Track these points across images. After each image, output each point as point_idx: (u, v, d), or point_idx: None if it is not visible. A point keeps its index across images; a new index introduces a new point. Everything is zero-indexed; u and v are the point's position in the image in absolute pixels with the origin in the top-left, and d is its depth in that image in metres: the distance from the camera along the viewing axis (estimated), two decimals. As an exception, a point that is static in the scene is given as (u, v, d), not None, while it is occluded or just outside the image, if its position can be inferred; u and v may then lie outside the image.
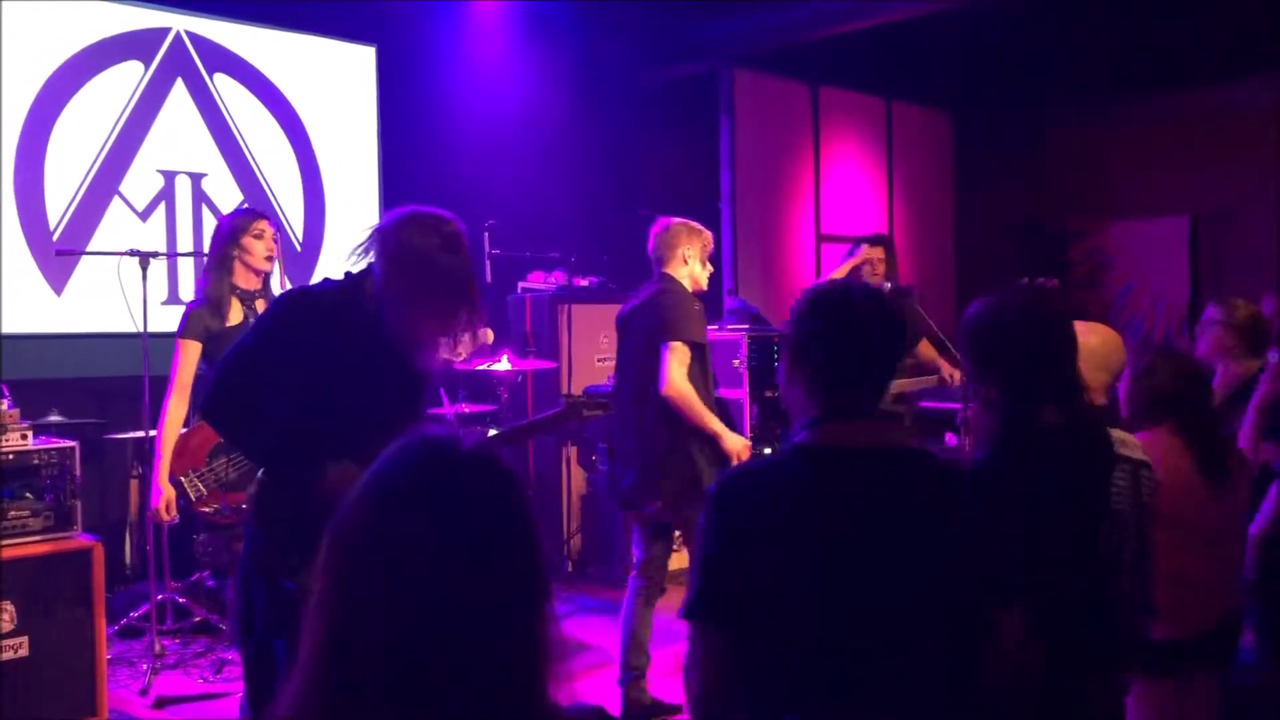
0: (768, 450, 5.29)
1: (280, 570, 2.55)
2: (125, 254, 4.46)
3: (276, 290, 4.21)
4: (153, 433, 4.63)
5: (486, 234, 5.94)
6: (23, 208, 5.47)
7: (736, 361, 5.84)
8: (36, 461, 3.75)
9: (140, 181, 5.85)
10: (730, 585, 1.86)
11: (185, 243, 5.94)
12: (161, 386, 4.10)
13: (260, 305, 4.10)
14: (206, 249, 4.34)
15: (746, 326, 6.13)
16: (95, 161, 5.70)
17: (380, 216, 2.81)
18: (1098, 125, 9.15)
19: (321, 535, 1.22)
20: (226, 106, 6.16)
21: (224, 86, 6.16)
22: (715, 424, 4.00)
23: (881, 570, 1.83)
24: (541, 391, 6.31)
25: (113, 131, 5.76)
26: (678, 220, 4.21)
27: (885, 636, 1.83)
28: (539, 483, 6.33)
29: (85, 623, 3.74)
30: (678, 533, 4.30)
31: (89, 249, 5.42)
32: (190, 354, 4.04)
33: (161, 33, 5.94)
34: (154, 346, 4.54)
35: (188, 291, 5.91)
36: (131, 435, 5.05)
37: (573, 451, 6.47)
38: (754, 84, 8.10)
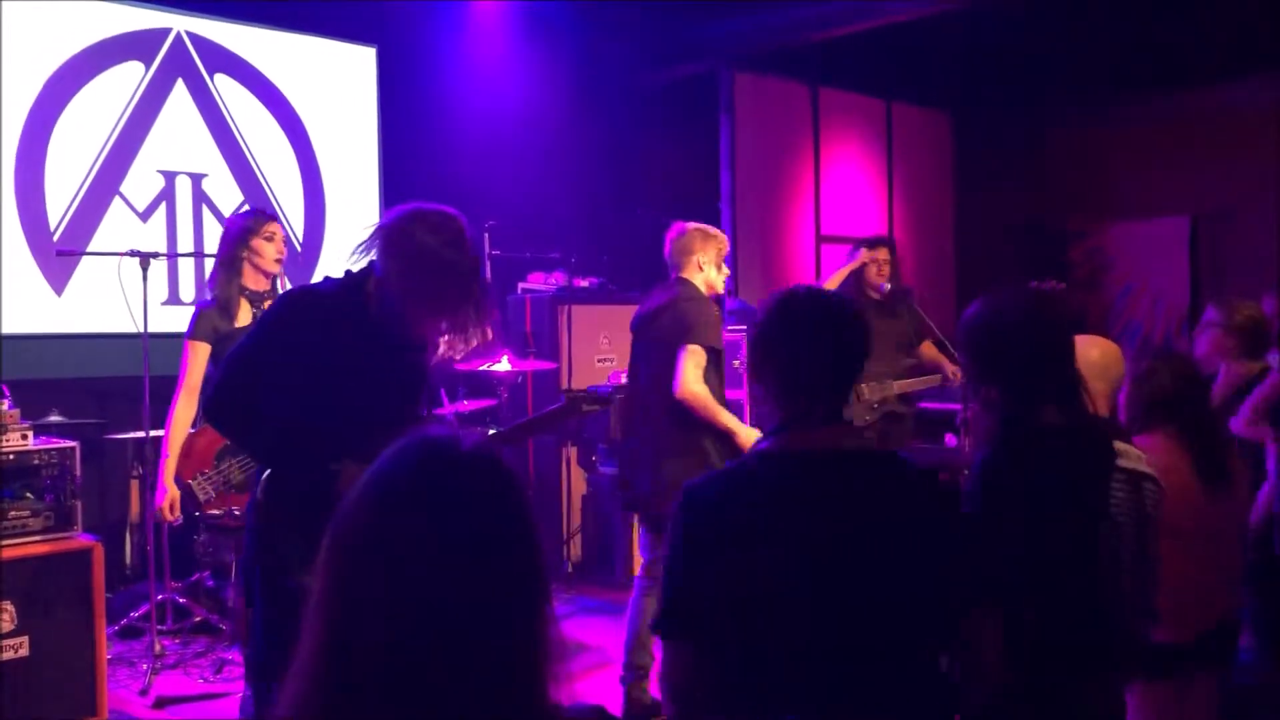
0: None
1: (281, 570, 2.55)
2: (126, 254, 4.46)
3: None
4: (153, 433, 4.64)
5: (487, 234, 5.94)
6: (23, 208, 5.47)
7: (737, 362, 5.84)
8: (37, 461, 3.75)
9: (141, 182, 5.85)
10: (699, 595, 1.86)
11: (185, 243, 5.94)
12: (161, 387, 4.11)
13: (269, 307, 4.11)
14: (207, 249, 4.37)
15: (746, 327, 6.13)
16: (96, 162, 5.70)
17: (382, 215, 2.80)
18: (1098, 125, 9.14)
19: (323, 535, 1.22)
20: (227, 107, 6.17)
21: (225, 87, 6.16)
22: (730, 420, 4.01)
23: (851, 574, 1.83)
24: (541, 391, 6.31)
25: (113, 132, 5.76)
26: (692, 226, 4.21)
27: (856, 640, 1.83)
28: (539, 483, 6.34)
29: (85, 623, 3.74)
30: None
31: (89, 249, 5.42)
32: (199, 355, 4.04)
33: (162, 33, 5.94)
34: (154, 347, 4.54)
35: (188, 292, 5.91)
36: (131, 435, 5.05)
37: (573, 452, 6.47)
38: (754, 84, 8.10)
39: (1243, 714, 3.29)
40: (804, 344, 1.93)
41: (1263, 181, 8.39)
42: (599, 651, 4.70)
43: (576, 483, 6.47)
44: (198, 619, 4.91)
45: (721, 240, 4.24)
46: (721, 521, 1.87)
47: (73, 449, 3.85)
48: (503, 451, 1.25)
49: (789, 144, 8.41)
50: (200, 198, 6.06)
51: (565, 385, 6.25)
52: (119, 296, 4.47)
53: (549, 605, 1.22)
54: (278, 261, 4.17)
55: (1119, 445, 2.37)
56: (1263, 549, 3.61)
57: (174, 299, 5.85)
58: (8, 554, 3.60)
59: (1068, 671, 2.18)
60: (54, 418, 5.01)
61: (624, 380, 6.07)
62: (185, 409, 4.05)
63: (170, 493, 4.04)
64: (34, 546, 3.69)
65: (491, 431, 4.34)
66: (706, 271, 4.15)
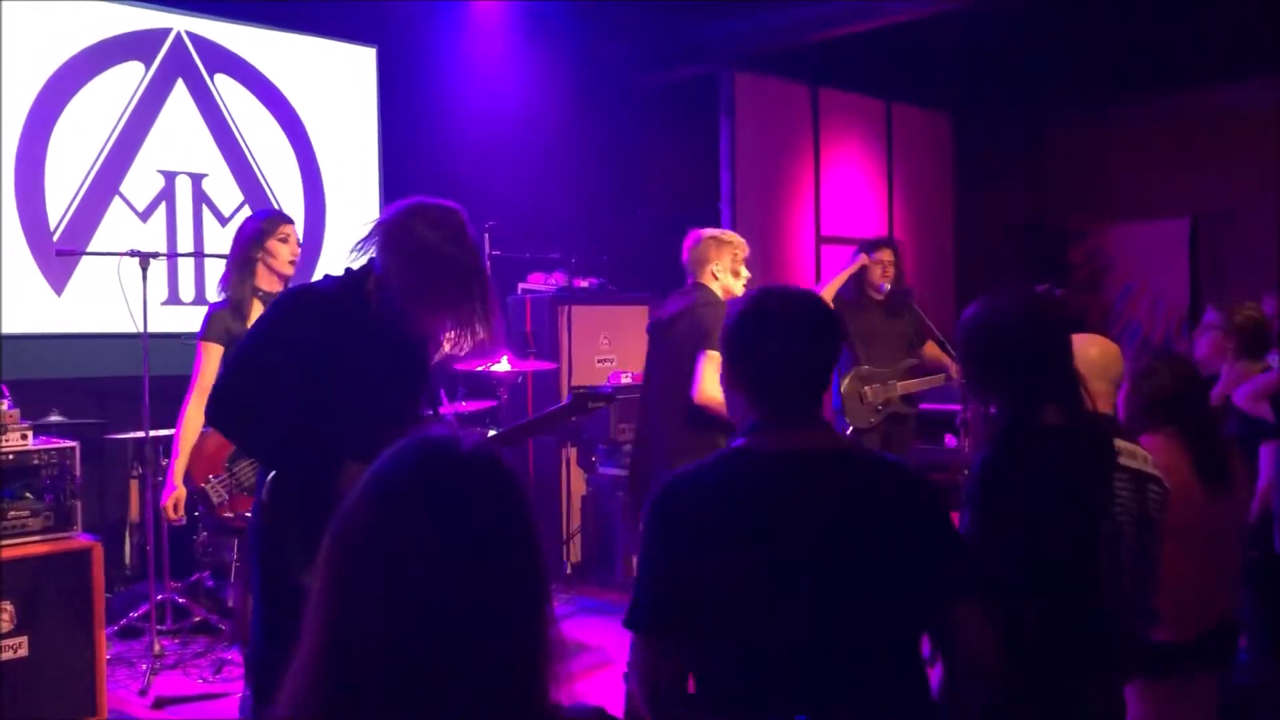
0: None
1: (283, 570, 2.55)
2: (125, 254, 4.46)
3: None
4: (153, 433, 4.64)
5: (487, 235, 5.94)
6: (23, 208, 5.47)
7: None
8: (36, 461, 3.75)
9: (141, 182, 5.85)
10: (671, 592, 1.86)
11: (185, 243, 5.93)
12: (161, 387, 4.10)
13: None
14: (207, 249, 4.35)
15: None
16: (96, 162, 5.70)
17: (382, 211, 2.78)
18: (1098, 125, 9.14)
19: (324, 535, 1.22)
20: (227, 107, 6.17)
21: (225, 87, 6.16)
22: None
23: (826, 570, 1.83)
24: (542, 392, 6.32)
25: (113, 132, 5.76)
26: (707, 234, 4.21)
27: (834, 636, 1.83)
28: (539, 483, 6.34)
29: (85, 623, 3.74)
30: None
31: (89, 249, 5.41)
32: (212, 356, 3.97)
33: (162, 33, 5.94)
34: (154, 347, 4.54)
35: (188, 292, 5.92)
36: (131, 435, 5.05)
37: (573, 452, 6.47)
38: (754, 85, 8.09)
39: (1243, 714, 3.29)
40: (787, 340, 1.92)
41: (1263, 182, 8.39)
42: (599, 651, 4.70)
43: (576, 483, 6.46)
44: (197, 619, 4.91)
45: (737, 245, 4.24)
46: (698, 519, 1.87)
47: (72, 449, 3.85)
48: (503, 451, 1.25)
49: (789, 144, 8.41)
50: (200, 198, 6.06)
51: (565, 385, 6.25)
52: (119, 296, 4.47)
53: (549, 605, 1.22)
54: (292, 263, 4.12)
55: (1126, 445, 2.37)
56: (1262, 547, 3.61)
57: (174, 299, 5.85)
58: (7, 554, 3.60)
59: (1068, 671, 2.18)
60: (54, 418, 5.01)
61: (625, 380, 6.10)
62: (196, 410, 4.00)
63: (177, 491, 4.03)
64: (34, 546, 3.69)
65: (493, 432, 4.32)
66: (723, 279, 4.17)
